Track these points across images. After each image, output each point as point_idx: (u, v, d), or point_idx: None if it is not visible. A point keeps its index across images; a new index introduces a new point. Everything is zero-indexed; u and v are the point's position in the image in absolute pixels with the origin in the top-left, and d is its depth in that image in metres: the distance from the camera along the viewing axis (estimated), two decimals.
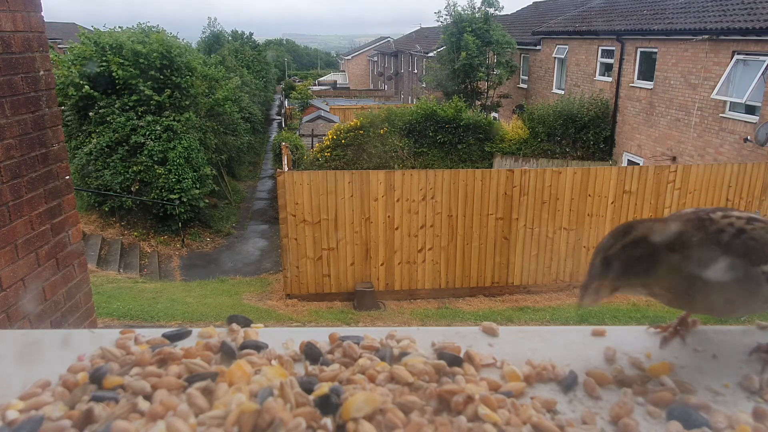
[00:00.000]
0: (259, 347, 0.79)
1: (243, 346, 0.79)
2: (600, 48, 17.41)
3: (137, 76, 13.09)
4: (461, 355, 0.79)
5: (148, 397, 0.67)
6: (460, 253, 9.71)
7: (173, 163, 13.20)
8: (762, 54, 11.48)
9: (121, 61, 13.03)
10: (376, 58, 49.91)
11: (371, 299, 9.29)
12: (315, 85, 43.07)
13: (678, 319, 0.88)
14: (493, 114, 21.17)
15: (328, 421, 0.63)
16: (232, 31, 31.13)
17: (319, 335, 0.83)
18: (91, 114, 13.28)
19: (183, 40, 16.44)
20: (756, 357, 0.79)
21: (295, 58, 66.20)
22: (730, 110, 12.45)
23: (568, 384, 0.74)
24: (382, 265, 9.57)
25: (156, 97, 13.20)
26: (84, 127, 13.45)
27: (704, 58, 13.01)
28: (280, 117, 31.28)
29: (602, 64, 17.49)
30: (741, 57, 12.05)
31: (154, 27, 15.71)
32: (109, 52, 13.20)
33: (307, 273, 9.42)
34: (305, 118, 20.39)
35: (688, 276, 0.76)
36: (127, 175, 13.06)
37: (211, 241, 14.39)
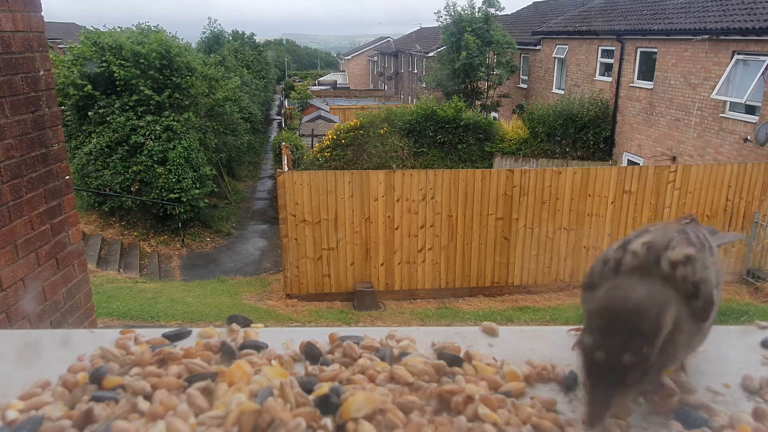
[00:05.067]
0: (259, 347, 0.79)
1: (243, 346, 0.79)
2: (600, 48, 17.41)
3: (137, 76, 13.10)
4: (461, 355, 0.79)
5: (148, 397, 0.67)
6: (460, 253, 9.71)
7: (173, 163, 13.20)
8: (762, 54, 11.48)
9: (122, 61, 13.04)
10: (376, 58, 49.91)
11: (371, 299, 9.29)
12: (315, 85, 43.10)
13: None
14: (493, 114, 21.17)
15: (328, 421, 0.62)
16: (233, 31, 31.11)
17: (319, 335, 0.83)
18: (90, 114, 13.28)
19: (183, 40, 16.45)
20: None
21: (295, 58, 66.23)
22: (730, 110, 12.45)
23: (568, 384, 0.74)
24: (382, 265, 9.57)
25: (156, 97, 13.20)
26: (84, 127, 13.46)
27: (704, 58, 13.01)
28: (280, 117, 31.28)
29: (602, 64, 17.49)
30: (741, 57, 12.05)
31: (153, 27, 15.72)
32: (109, 53, 13.21)
33: (307, 273, 9.42)
34: (305, 118, 20.39)
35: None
36: (127, 175, 13.06)
37: (211, 241, 14.39)
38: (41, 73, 2.73)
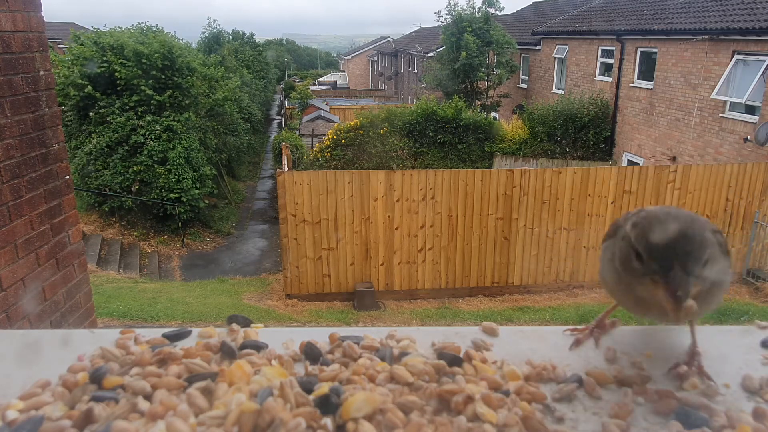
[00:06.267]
0: (259, 347, 0.79)
1: (243, 346, 0.79)
2: (600, 48, 17.41)
3: (139, 76, 13.10)
4: (461, 355, 0.79)
5: (148, 397, 0.67)
6: (460, 253, 9.71)
7: (173, 163, 13.20)
8: (762, 54, 11.47)
9: (124, 61, 13.04)
10: (376, 58, 49.89)
11: (371, 299, 9.29)
12: (315, 85, 43.09)
13: (595, 321, 0.87)
14: (493, 114, 21.17)
15: (328, 421, 0.62)
16: (232, 31, 31.13)
17: (319, 335, 0.83)
18: (91, 114, 13.28)
19: (183, 40, 16.45)
20: (674, 374, 0.77)
21: (295, 58, 66.19)
22: (730, 110, 12.45)
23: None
24: (382, 265, 9.57)
25: (157, 97, 13.20)
26: (84, 127, 13.45)
27: (704, 58, 13.01)
28: (280, 117, 31.28)
29: (602, 64, 17.49)
30: (741, 57, 12.04)
31: (153, 27, 15.72)
32: (110, 53, 13.20)
33: (307, 273, 9.42)
34: (305, 118, 20.38)
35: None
36: (127, 175, 13.06)
37: (211, 241, 14.39)
38: (41, 73, 2.73)
